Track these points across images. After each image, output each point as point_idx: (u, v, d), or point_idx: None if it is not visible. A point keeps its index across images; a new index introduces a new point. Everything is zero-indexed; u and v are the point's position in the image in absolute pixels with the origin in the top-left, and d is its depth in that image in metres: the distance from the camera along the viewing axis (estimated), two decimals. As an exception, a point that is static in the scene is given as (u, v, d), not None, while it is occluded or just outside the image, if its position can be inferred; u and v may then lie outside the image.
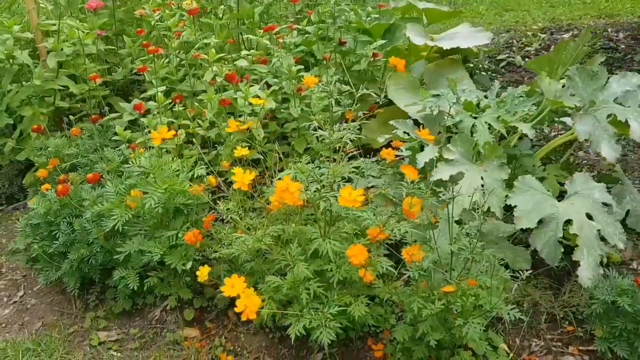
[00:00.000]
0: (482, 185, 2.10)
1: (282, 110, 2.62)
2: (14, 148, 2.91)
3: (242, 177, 1.68)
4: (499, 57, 4.49)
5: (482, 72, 3.45)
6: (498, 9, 6.05)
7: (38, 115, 2.80)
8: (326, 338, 1.71)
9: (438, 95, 2.38)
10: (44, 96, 2.88)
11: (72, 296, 2.42)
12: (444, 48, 2.90)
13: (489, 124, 2.27)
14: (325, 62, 2.65)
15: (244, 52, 2.52)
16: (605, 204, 2.07)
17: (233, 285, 1.69)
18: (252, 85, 2.38)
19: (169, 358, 2.12)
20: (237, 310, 1.59)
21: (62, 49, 2.83)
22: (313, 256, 1.84)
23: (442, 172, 2.14)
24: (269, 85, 2.54)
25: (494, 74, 4.16)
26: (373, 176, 2.47)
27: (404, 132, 2.33)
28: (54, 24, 2.83)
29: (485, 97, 2.66)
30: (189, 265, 2.04)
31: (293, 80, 2.57)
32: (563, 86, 2.36)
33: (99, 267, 2.24)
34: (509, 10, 5.98)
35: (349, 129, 1.94)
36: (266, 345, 2.13)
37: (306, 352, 2.07)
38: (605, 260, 1.99)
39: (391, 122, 2.36)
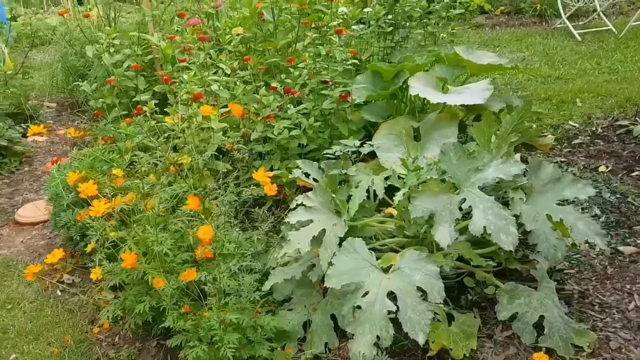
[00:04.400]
0: (314, 237, 2.16)
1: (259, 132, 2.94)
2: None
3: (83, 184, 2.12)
4: (620, 123, 3.91)
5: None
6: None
7: (115, 103, 3.62)
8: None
9: (343, 144, 2.44)
10: (126, 90, 3.69)
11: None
12: (432, 102, 2.83)
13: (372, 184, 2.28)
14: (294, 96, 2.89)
15: (211, 77, 2.90)
16: (420, 289, 1.96)
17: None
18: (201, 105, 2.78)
19: (79, 306, 2.70)
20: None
21: (140, 55, 3.61)
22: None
23: (295, 217, 2.25)
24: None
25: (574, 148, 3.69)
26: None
27: (304, 173, 2.47)
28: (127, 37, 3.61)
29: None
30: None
31: (265, 108, 2.87)
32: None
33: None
34: None
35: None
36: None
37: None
38: (387, 343, 1.91)
39: (297, 162, 2.51)
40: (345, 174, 2.33)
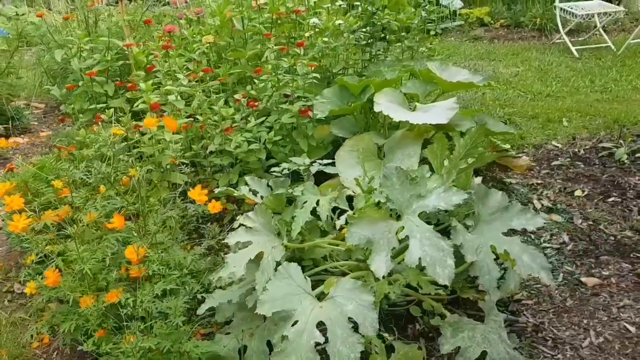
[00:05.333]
0: (251, 260, 2.07)
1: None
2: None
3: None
4: (604, 145, 3.79)
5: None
6: None
7: (83, 108, 3.56)
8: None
9: (291, 161, 2.35)
10: (97, 96, 3.63)
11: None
12: (394, 120, 2.74)
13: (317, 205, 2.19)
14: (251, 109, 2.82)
15: (168, 87, 2.83)
16: (351, 320, 1.86)
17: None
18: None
19: (23, 319, 2.62)
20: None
21: (109, 60, 3.55)
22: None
23: (234, 237, 2.17)
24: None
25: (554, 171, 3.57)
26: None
27: (251, 190, 2.38)
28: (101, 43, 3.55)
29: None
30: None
31: (224, 121, 2.80)
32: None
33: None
34: None
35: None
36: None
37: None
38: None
39: (246, 178, 2.42)
40: (299, 195, 2.24)
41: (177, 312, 1.92)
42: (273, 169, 2.38)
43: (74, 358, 2.36)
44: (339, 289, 1.94)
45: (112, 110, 2.82)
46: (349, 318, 1.86)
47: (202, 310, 2.14)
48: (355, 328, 1.85)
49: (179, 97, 2.81)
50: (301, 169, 2.34)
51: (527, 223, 2.02)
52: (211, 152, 2.81)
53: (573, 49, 6.13)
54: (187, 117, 2.95)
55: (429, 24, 7.47)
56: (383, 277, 1.86)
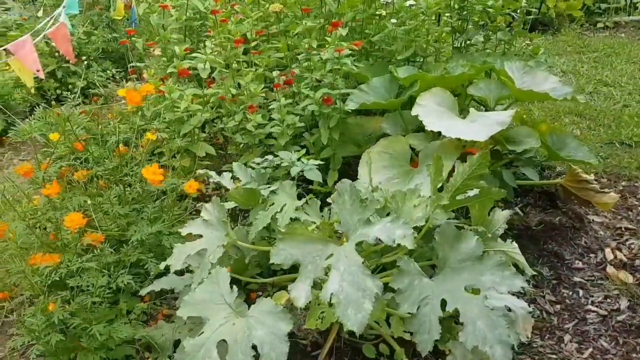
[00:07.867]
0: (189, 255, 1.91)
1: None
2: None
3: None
4: None
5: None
6: None
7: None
8: None
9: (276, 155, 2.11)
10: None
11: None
12: (426, 128, 2.35)
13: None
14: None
15: (195, 54, 2.67)
16: (255, 348, 1.61)
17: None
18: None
19: None
20: None
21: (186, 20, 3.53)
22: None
23: (189, 228, 2.02)
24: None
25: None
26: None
27: (232, 178, 2.19)
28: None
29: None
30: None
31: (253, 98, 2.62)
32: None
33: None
34: None
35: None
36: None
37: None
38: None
39: (233, 165, 2.23)
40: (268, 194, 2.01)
41: (96, 289, 1.82)
42: (255, 159, 2.16)
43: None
44: (257, 310, 1.70)
45: (152, 70, 2.78)
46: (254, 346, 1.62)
47: (144, 292, 2.03)
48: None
49: (207, 66, 2.68)
50: (284, 165, 2.08)
51: (502, 281, 1.59)
52: (233, 128, 2.66)
53: None
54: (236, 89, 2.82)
55: (597, 17, 6.48)
56: (300, 308, 1.58)
